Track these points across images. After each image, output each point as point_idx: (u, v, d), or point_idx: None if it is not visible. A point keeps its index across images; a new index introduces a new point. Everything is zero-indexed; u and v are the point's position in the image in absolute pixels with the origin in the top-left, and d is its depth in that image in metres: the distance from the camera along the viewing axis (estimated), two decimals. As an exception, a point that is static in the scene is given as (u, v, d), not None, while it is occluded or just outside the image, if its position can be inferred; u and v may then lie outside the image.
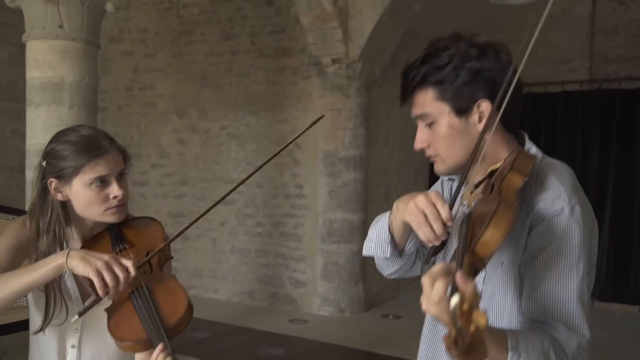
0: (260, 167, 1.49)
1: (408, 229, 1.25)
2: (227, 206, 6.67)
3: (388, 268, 1.43)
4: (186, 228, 1.43)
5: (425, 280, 0.90)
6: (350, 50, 5.76)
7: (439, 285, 0.86)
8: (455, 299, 0.81)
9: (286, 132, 6.34)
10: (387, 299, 6.62)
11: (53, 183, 1.38)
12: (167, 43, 7.10)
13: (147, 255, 1.40)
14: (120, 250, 1.40)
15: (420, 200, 1.10)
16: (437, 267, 0.90)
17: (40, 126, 3.61)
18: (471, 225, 1.04)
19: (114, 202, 1.38)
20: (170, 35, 7.08)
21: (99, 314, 1.37)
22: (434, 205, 1.09)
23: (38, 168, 1.41)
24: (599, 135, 6.36)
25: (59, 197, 1.38)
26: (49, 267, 1.25)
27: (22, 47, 6.65)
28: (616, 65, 6.78)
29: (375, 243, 1.35)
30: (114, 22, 7.27)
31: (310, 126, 1.54)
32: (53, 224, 1.38)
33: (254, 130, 6.52)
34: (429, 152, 1.27)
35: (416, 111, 1.26)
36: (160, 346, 1.22)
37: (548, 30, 7.01)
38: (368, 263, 6.22)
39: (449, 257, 1.27)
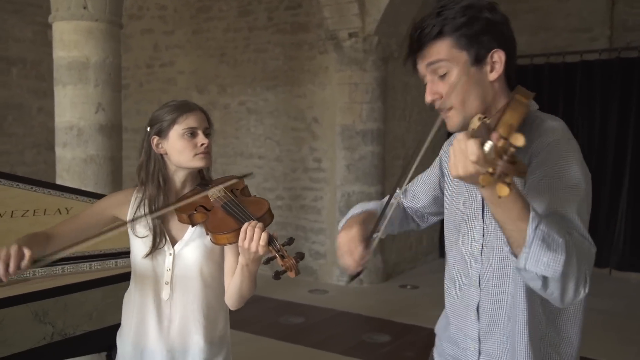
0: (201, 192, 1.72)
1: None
2: (247, 180, 6.79)
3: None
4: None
5: (460, 139, 0.97)
6: (366, 24, 5.78)
7: (472, 143, 0.93)
8: (489, 143, 0.89)
9: (304, 106, 6.41)
10: (405, 270, 6.75)
11: (155, 139, 1.71)
12: (186, 20, 7.18)
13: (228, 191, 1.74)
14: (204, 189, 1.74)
15: (340, 238, 1.40)
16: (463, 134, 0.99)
17: (68, 104, 3.75)
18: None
19: (201, 149, 1.70)
20: (189, 12, 7.15)
21: (187, 254, 1.70)
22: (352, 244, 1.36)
23: (144, 134, 1.75)
24: (618, 105, 6.33)
25: (160, 150, 1.71)
26: None
27: (46, 26, 6.74)
28: (637, 33, 6.68)
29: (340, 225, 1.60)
30: (133, -1, 7.36)
31: (238, 177, 1.78)
32: (157, 173, 1.72)
33: (272, 105, 6.61)
34: (441, 105, 1.27)
35: (430, 57, 1.26)
36: (252, 222, 1.52)
37: (568, -3, 6.93)
38: (386, 235, 6.32)
39: None
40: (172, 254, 1.71)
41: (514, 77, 1.31)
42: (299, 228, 6.54)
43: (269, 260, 1.51)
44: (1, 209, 2.30)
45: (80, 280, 2.34)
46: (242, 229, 1.51)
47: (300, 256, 1.49)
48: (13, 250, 1.44)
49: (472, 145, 0.93)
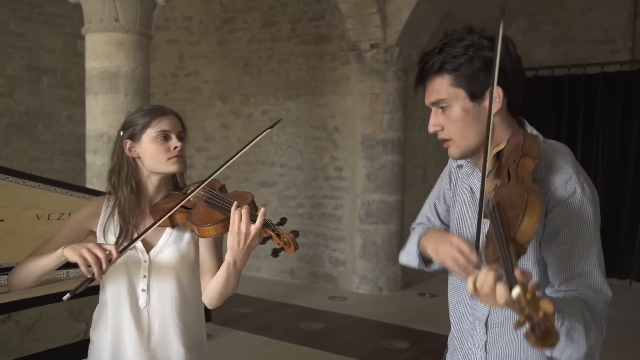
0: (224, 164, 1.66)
1: None
2: (269, 188, 6.92)
3: (424, 270, 1.64)
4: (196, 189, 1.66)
5: (486, 277, 1.01)
6: (388, 36, 5.87)
7: (500, 289, 0.98)
8: (517, 290, 0.91)
9: (325, 116, 6.51)
10: (424, 278, 6.77)
11: (127, 143, 1.68)
12: (211, 30, 7.34)
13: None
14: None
15: (449, 250, 1.24)
16: (484, 273, 1.02)
17: (99, 113, 3.90)
18: (502, 213, 1.11)
19: (174, 152, 1.67)
20: (214, 23, 7.32)
21: (163, 260, 1.67)
22: (462, 254, 1.21)
23: (116, 139, 1.74)
24: (639, 116, 6.31)
25: (133, 154, 1.68)
26: (53, 257, 1.56)
27: (76, 37, 6.93)
28: (660, 46, 6.67)
29: (407, 255, 1.58)
30: (159, 11, 7.53)
31: (268, 129, 1.71)
32: (130, 177, 1.68)
33: (295, 114, 6.73)
34: (442, 135, 1.36)
35: (431, 97, 1.35)
36: (234, 205, 1.50)
37: (590, 10, 6.95)
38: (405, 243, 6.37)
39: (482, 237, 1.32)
40: (148, 261, 1.67)
41: (518, 104, 1.36)
42: (320, 236, 6.62)
43: (265, 240, 1.52)
44: (39, 211, 2.42)
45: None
46: (233, 212, 1.49)
47: (295, 233, 1.47)
48: (98, 249, 1.47)
49: (500, 290, 0.98)
